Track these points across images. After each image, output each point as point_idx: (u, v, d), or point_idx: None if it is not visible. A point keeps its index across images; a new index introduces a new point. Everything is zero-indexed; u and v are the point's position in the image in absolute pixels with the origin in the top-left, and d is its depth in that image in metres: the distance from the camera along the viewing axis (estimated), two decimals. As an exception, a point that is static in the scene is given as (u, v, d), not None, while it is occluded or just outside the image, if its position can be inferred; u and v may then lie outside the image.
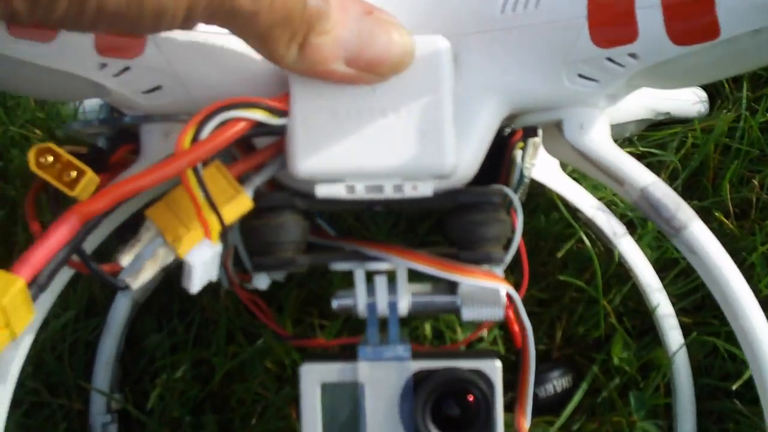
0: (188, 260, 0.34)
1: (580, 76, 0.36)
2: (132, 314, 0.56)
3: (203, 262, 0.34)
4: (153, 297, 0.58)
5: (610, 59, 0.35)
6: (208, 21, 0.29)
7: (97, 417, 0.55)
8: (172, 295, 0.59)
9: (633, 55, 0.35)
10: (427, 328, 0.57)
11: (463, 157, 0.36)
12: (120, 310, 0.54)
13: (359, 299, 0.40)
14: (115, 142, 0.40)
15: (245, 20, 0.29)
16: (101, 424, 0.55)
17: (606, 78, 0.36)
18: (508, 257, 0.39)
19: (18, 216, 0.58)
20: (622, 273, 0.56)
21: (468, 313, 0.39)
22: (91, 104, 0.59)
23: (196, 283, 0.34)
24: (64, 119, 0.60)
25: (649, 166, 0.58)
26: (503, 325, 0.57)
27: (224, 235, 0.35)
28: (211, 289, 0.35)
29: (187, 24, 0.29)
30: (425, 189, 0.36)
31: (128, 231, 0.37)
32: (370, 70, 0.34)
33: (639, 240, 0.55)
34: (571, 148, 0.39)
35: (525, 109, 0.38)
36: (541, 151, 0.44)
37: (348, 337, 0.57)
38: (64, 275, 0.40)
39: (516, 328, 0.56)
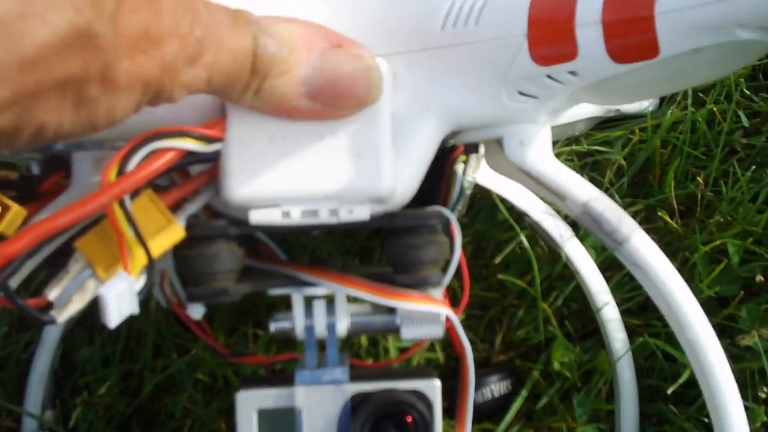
0: (101, 293, 0.33)
1: (520, 93, 0.37)
2: (67, 330, 0.56)
3: (117, 296, 0.34)
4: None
5: (550, 76, 0.36)
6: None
7: (30, 436, 0.56)
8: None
9: (573, 73, 0.36)
10: (363, 336, 0.59)
11: (401, 179, 0.37)
12: (55, 327, 0.55)
13: (297, 323, 0.41)
14: (46, 169, 0.40)
15: (192, 93, 0.31)
16: (34, 443, 0.56)
17: (546, 95, 0.37)
18: (446, 279, 0.40)
19: None
20: (566, 274, 0.58)
21: (407, 333, 0.41)
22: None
23: (113, 318, 0.34)
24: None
25: (595, 164, 0.60)
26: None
27: (150, 267, 0.35)
28: (141, 301, 0.36)
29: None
30: (362, 213, 0.37)
31: (60, 256, 0.37)
32: (336, 105, 0.35)
33: (582, 240, 0.56)
34: (512, 164, 0.40)
35: (465, 127, 0.39)
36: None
37: (288, 352, 0.58)
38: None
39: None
